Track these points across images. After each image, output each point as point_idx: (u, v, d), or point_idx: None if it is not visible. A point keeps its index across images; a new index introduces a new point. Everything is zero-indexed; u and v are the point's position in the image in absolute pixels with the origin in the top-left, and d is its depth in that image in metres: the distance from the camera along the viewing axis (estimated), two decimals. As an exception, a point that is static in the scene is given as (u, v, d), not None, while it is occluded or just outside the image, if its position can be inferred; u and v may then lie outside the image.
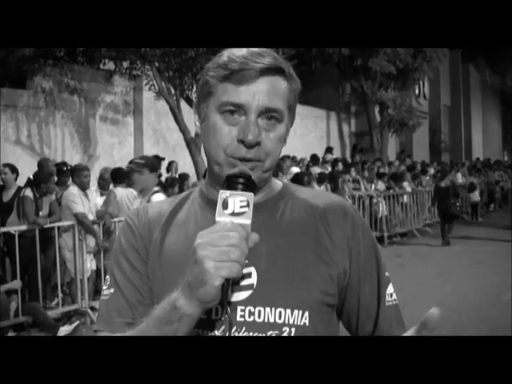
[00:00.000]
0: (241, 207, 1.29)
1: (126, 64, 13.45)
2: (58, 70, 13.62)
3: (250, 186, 1.35)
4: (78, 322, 7.58)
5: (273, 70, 1.43)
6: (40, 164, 10.16)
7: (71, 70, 13.96)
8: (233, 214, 1.28)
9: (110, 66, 13.80)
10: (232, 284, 1.31)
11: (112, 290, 1.55)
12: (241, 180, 1.35)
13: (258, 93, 1.41)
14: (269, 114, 1.43)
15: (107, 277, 1.58)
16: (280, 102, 1.45)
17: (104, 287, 1.58)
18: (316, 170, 15.44)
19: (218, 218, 1.28)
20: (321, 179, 13.74)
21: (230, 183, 1.35)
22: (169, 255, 1.52)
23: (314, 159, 17.14)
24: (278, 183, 1.62)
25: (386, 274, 1.60)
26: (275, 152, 1.47)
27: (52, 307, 8.52)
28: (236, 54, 1.42)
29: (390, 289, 1.59)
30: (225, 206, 1.29)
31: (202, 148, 1.54)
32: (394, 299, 1.60)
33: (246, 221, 1.28)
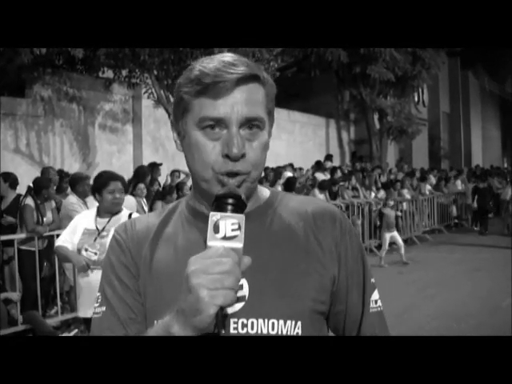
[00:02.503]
0: (232, 230, 1.26)
1: (124, 72, 13.46)
2: (57, 79, 13.62)
3: (240, 206, 1.32)
4: (76, 330, 7.58)
5: (248, 79, 1.40)
6: (43, 172, 10.13)
7: (70, 79, 13.96)
8: (224, 237, 1.25)
9: (109, 74, 13.81)
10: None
11: (104, 308, 1.53)
12: (231, 201, 1.31)
13: (236, 104, 1.38)
14: (250, 123, 1.41)
15: (98, 294, 1.56)
16: (259, 109, 1.43)
17: (96, 305, 1.56)
18: (320, 176, 15.46)
19: (209, 243, 1.26)
20: (322, 186, 13.75)
21: (220, 204, 1.31)
22: (159, 270, 1.51)
23: (318, 166, 17.18)
24: (265, 191, 1.61)
25: (372, 280, 1.59)
26: (260, 161, 1.45)
27: (51, 315, 8.50)
28: (207, 66, 1.39)
29: (375, 295, 1.59)
30: (216, 229, 1.26)
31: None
32: (379, 306, 1.59)
33: (238, 244, 1.26)
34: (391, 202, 14.23)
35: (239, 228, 1.27)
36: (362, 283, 1.56)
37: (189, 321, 1.24)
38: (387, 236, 13.45)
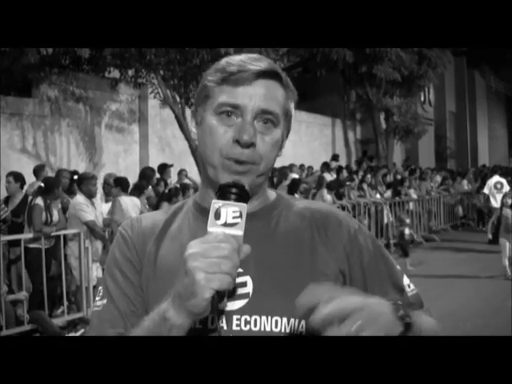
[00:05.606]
0: (233, 218, 1.28)
1: (131, 72, 13.47)
2: (64, 79, 13.66)
3: (243, 196, 1.34)
4: (82, 330, 7.59)
5: (269, 74, 1.45)
6: (57, 175, 10.10)
7: (76, 79, 13.99)
8: (225, 224, 1.27)
9: (115, 74, 13.82)
10: (226, 295, 1.30)
11: (104, 301, 1.54)
12: (234, 190, 1.34)
13: (255, 95, 1.43)
14: (265, 116, 1.45)
15: (100, 288, 1.57)
16: (276, 105, 1.46)
17: (97, 298, 1.57)
18: (328, 176, 15.43)
19: (209, 229, 1.27)
20: (330, 187, 13.70)
21: (223, 193, 1.34)
22: (164, 266, 1.51)
23: (325, 166, 17.15)
24: (272, 193, 1.62)
25: (398, 267, 1.60)
26: (269, 156, 1.47)
27: (57, 315, 8.51)
28: (234, 58, 1.46)
29: (406, 280, 1.60)
30: (217, 216, 1.28)
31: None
32: (413, 289, 1.60)
33: (239, 232, 1.27)
34: (509, 200, 12.01)
35: (240, 216, 1.28)
36: (387, 273, 1.56)
37: (184, 304, 1.26)
38: (505, 241, 11.37)
